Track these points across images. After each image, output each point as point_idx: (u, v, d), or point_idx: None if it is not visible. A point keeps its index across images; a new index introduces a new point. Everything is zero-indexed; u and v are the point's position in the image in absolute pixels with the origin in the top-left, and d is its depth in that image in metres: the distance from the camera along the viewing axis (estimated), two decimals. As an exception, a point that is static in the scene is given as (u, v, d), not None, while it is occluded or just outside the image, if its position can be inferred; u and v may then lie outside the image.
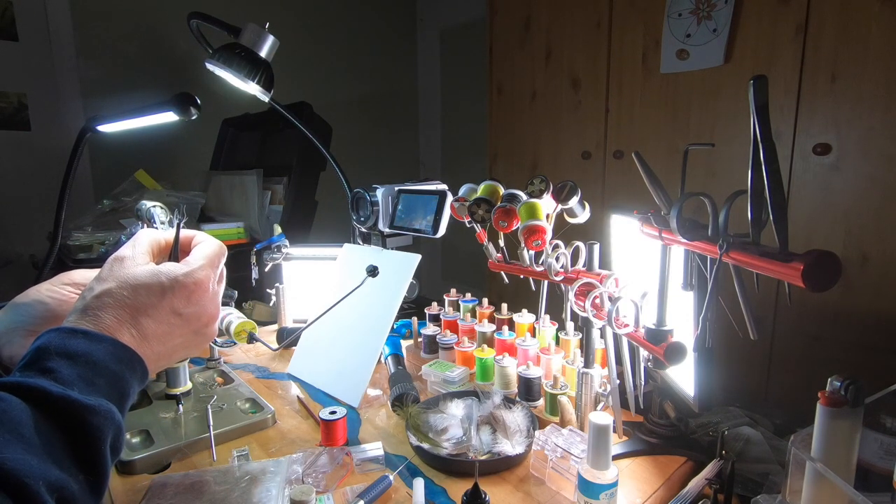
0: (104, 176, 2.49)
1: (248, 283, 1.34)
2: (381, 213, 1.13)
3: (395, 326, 1.28)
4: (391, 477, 0.69)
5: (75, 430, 0.34)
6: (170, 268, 0.46)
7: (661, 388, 0.80)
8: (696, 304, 0.67)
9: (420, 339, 1.22)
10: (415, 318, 1.28)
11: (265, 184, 2.13)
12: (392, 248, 1.15)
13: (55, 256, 1.06)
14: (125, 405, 0.40)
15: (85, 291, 0.44)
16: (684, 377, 0.73)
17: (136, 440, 0.81)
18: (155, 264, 0.47)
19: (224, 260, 0.51)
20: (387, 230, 1.15)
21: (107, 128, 1.06)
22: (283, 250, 1.30)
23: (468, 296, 1.25)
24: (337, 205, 1.99)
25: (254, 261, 1.33)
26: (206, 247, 0.50)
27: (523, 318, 1.09)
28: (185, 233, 0.53)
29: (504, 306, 1.18)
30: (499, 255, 0.96)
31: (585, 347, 0.83)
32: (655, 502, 0.70)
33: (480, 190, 0.92)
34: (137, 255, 0.47)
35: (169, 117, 0.97)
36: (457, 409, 0.83)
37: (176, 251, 0.52)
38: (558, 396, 0.87)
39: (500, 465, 0.74)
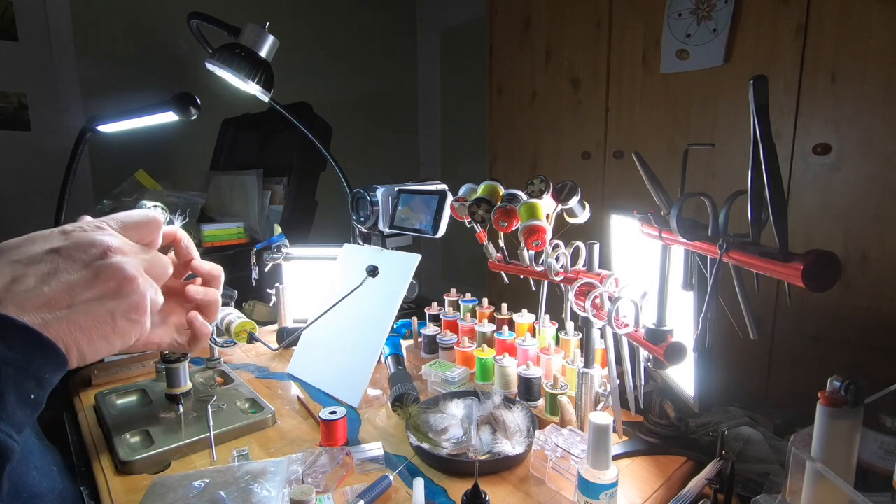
0: (104, 176, 2.49)
1: (248, 283, 1.34)
2: (381, 213, 1.13)
3: (395, 326, 1.28)
4: (391, 477, 0.69)
5: None
6: None
7: (661, 388, 0.80)
8: (696, 304, 0.67)
9: (420, 339, 1.22)
10: (415, 318, 1.28)
11: (265, 184, 2.13)
12: (392, 248, 1.15)
13: (55, 256, 1.05)
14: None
15: None
16: (684, 377, 0.73)
17: (136, 440, 0.81)
18: None
19: (146, 225, 0.41)
20: (387, 230, 1.15)
21: (107, 128, 1.06)
22: (283, 250, 1.30)
23: (468, 296, 1.25)
24: (337, 205, 1.99)
25: (254, 261, 1.33)
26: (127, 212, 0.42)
27: (523, 318, 1.09)
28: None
29: (504, 306, 1.18)
30: (499, 255, 0.96)
31: (585, 347, 0.83)
32: (655, 502, 0.70)
33: (480, 190, 0.92)
34: None
35: (169, 117, 0.97)
36: (457, 409, 0.83)
37: None
38: (558, 396, 0.87)
39: (500, 465, 0.74)
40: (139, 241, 0.40)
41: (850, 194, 1.56)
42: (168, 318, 0.45)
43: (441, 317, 1.21)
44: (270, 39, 1.05)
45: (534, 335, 1.05)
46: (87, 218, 0.40)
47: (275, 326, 1.36)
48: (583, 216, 0.88)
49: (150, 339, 0.43)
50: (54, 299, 0.33)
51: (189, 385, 0.93)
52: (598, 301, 0.76)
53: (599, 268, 0.81)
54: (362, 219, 1.16)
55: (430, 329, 1.19)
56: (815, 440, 0.53)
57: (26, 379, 0.31)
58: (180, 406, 0.89)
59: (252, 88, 1.06)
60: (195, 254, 0.47)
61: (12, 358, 0.30)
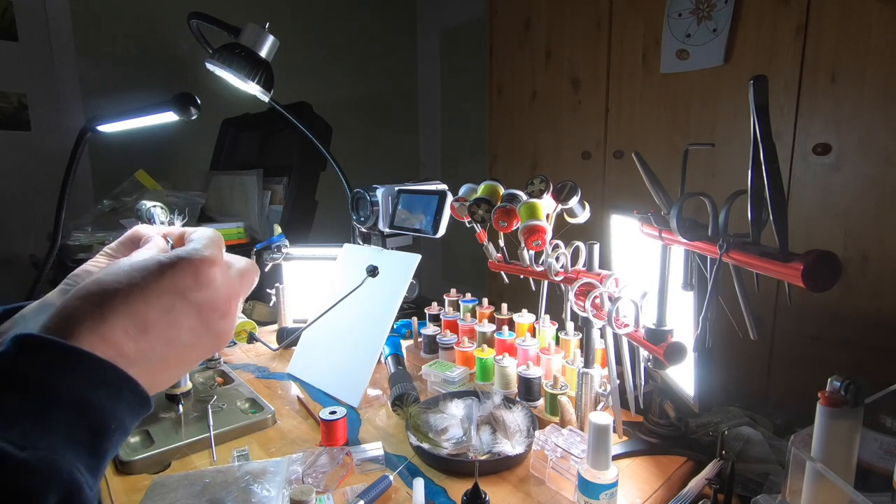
0: (104, 176, 2.49)
1: (248, 283, 1.34)
2: (381, 213, 1.13)
3: (395, 326, 1.28)
4: (391, 477, 0.69)
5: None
6: (170, 251, 0.37)
7: (661, 388, 0.80)
8: (696, 304, 0.67)
9: (420, 339, 1.22)
10: (415, 318, 1.28)
11: (265, 184, 2.13)
12: (392, 248, 1.15)
13: (55, 256, 1.06)
14: (99, 445, 0.28)
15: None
16: (684, 377, 0.73)
17: (135, 440, 0.81)
18: None
19: (224, 246, 0.41)
20: (387, 230, 1.15)
21: (107, 128, 1.06)
22: (283, 250, 1.30)
23: (468, 296, 1.25)
24: (337, 205, 1.99)
25: (254, 261, 1.33)
26: (202, 231, 0.40)
27: (523, 318, 1.09)
28: (175, 229, 0.45)
29: (504, 306, 1.18)
30: (499, 255, 0.96)
31: (585, 347, 0.83)
32: (655, 502, 0.70)
33: (480, 190, 0.92)
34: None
35: (169, 117, 0.97)
36: (457, 409, 0.83)
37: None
38: (558, 396, 0.87)
39: (500, 465, 0.74)
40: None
41: (850, 194, 1.56)
42: None
43: (441, 317, 1.21)
44: (270, 39, 1.05)
45: (534, 335, 1.05)
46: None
47: (275, 326, 1.36)
48: (583, 216, 0.88)
49: None
50: (171, 358, 0.33)
51: (189, 385, 0.93)
52: (598, 301, 0.76)
53: (599, 268, 0.81)
54: (362, 219, 1.16)
55: (430, 329, 1.19)
56: (815, 440, 0.53)
57: (124, 438, 0.31)
58: (180, 406, 0.89)
59: (252, 88, 1.06)
60: None
61: (124, 422, 0.30)
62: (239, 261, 0.40)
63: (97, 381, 0.28)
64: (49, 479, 0.25)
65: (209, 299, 0.35)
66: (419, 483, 0.69)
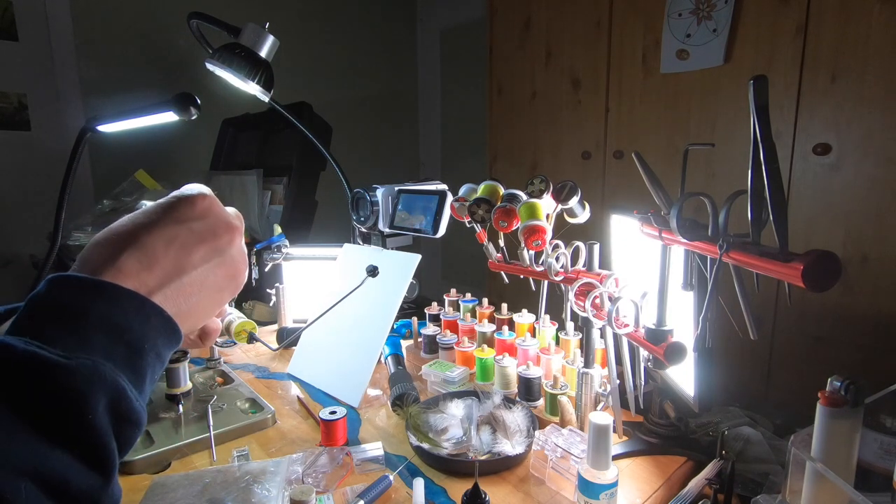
0: (104, 176, 2.49)
1: (248, 283, 1.34)
2: (381, 213, 1.14)
3: (395, 326, 1.28)
4: (391, 477, 0.70)
5: (51, 398, 0.27)
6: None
7: (661, 388, 0.80)
8: (696, 304, 0.67)
9: (420, 339, 1.22)
10: (415, 318, 1.28)
11: (265, 184, 2.13)
12: (392, 248, 1.15)
13: (55, 256, 1.06)
14: (136, 363, 0.32)
15: None
16: (684, 377, 0.73)
17: (136, 440, 0.81)
18: None
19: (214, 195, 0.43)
20: (387, 230, 1.15)
21: (107, 128, 1.06)
22: (283, 250, 1.30)
23: (468, 296, 1.25)
24: (337, 205, 1.99)
25: (254, 261, 1.33)
26: (191, 184, 0.43)
27: (523, 318, 1.09)
28: None
29: (504, 306, 1.18)
30: (499, 255, 0.96)
31: (585, 347, 0.83)
32: (655, 502, 0.70)
33: (480, 190, 0.92)
34: None
35: (169, 117, 0.97)
36: (457, 409, 0.83)
37: None
38: (558, 396, 0.87)
39: (500, 465, 0.74)
40: None
41: (851, 194, 1.56)
42: None
43: (441, 317, 1.21)
44: (270, 39, 1.05)
45: (534, 335, 1.05)
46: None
47: (275, 326, 1.36)
48: (583, 216, 0.88)
49: None
50: (188, 286, 0.36)
51: (189, 385, 0.93)
52: (598, 301, 0.76)
53: (599, 268, 0.81)
54: (362, 219, 1.16)
55: (430, 329, 1.19)
56: (815, 440, 0.53)
57: (160, 366, 0.34)
58: (180, 406, 0.89)
59: (252, 88, 1.06)
60: None
61: (157, 345, 0.33)
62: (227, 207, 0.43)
63: (124, 307, 0.32)
64: (96, 382, 0.28)
65: (210, 227, 0.38)
66: (419, 483, 0.69)
